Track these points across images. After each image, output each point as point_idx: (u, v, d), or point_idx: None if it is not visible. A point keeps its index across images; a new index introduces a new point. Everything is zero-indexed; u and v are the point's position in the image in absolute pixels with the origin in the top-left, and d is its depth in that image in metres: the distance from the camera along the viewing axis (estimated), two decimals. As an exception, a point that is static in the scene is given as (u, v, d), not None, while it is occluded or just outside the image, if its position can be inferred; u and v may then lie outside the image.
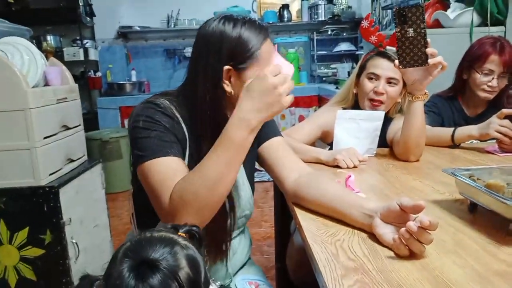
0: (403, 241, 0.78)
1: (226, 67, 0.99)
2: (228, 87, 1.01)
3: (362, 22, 1.73)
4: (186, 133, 1.02)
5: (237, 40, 0.99)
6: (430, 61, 1.26)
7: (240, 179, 1.12)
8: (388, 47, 1.65)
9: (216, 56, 0.99)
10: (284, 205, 1.43)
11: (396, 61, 1.29)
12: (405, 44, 1.26)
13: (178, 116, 1.02)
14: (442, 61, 1.27)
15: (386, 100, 1.59)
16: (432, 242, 0.79)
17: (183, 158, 1.00)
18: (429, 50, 1.25)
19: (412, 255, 0.78)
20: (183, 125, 1.02)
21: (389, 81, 1.59)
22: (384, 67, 1.59)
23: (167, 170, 0.94)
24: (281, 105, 0.89)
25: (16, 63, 1.83)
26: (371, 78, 1.61)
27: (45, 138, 1.80)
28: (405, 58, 1.26)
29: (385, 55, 1.61)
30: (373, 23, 1.75)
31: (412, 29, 1.24)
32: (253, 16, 4.52)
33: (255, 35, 1.00)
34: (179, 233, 0.75)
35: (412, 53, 1.26)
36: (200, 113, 1.01)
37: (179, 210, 0.88)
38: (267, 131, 1.19)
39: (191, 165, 0.98)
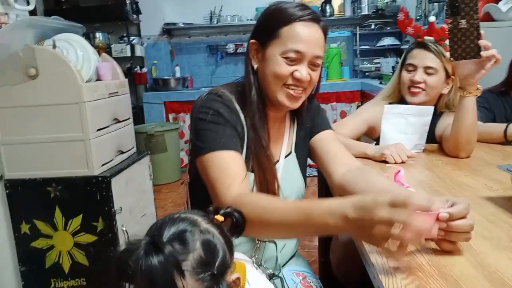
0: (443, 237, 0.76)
1: (252, 40, 1.06)
2: (254, 62, 1.06)
3: (398, 14, 1.71)
4: (244, 125, 1.05)
5: (267, 15, 1.05)
6: (483, 53, 1.22)
7: (292, 171, 1.14)
8: (426, 38, 1.62)
9: (253, 30, 1.07)
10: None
11: (448, 54, 1.26)
12: (457, 35, 1.22)
13: (238, 107, 1.05)
14: (496, 54, 1.23)
15: (427, 89, 1.56)
16: (487, 239, 0.78)
17: (241, 151, 1.02)
18: (482, 42, 1.21)
19: (464, 250, 0.77)
20: (241, 116, 1.05)
21: (427, 70, 1.55)
22: (420, 57, 1.56)
23: (226, 165, 0.95)
24: (374, 242, 0.72)
25: (71, 58, 1.93)
26: (409, 70, 1.59)
27: (98, 130, 1.89)
28: (457, 50, 1.23)
29: (422, 45, 1.58)
30: (408, 15, 1.73)
31: (464, 20, 1.21)
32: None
33: (288, 14, 1.01)
34: (216, 216, 0.77)
35: (464, 45, 1.22)
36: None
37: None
38: (319, 123, 1.20)
39: (248, 156, 1.01)
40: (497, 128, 1.58)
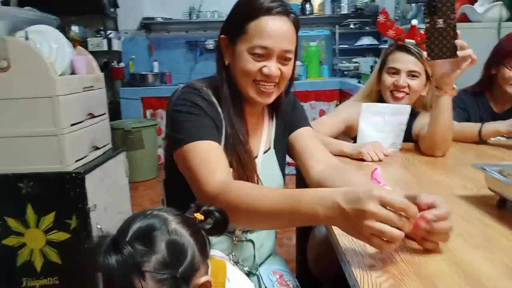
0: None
1: (222, 36, 1.05)
2: (226, 58, 1.05)
3: (378, 16, 1.72)
4: (222, 118, 1.04)
5: (235, 9, 1.04)
6: (459, 53, 1.23)
7: (271, 167, 1.13)
8: (407, 40, 1.63)
9: (222, 25, 1.06)
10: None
11: (425, 53, 1.27)
12: (435, 35, 1.24)
13: (215, 100, 1.04)
14: (472, 54, 1.24)
15: (410, 92, 1.57)
16: (461, 236, 0.79)
17: (220, 143, 1.01)
18: (458, 42, 1.23)
19: (439, 248, 0.78)
20: (219, 109, 1.04)
21: (410, 74, 1.57)
22: (403, 61, 1.57)
23: (207, 154, 0.94)
24: (361, 236, 0.71)
25: (44, 51, 1.87)
26: (392, 73, 1.59)
27: (71, 125, 1.84)
28: (434, 50, 1.25)
29: (404, 48, 1.59)
30: (389, 17, 1.74)
31: (442, 20, 1.22)
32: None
33: (254, 8, 0.98)
34: (196, 214, 0.75)
35: (441, 45, 1.24)
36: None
37: (219, 203, 0.86)
38: (298, 120, 1.20)
39: (226, 151, 1.00)
40: (471, 128, 1.61)
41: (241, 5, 1.03)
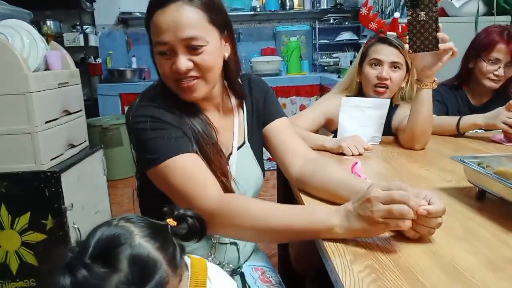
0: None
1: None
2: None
3: (361, 9, 1.71)
4: (185, 123, 0.98)
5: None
6: (441, 46, 1.24)
7: (248, 162, 1.11)
8: (388, 33, 1.63)
9: None
10: (287, 193, 1.42)
11: (407, 46, 1.27)
12: (416, 28, 1.24)
13: (173, 107, 0.98)
14: (453, 46, 1.25)
15: (391, 85, 1.57)
16: (442, 229, 0.79)
17: (195, 149, 0.95)
18: (440, 35, 1.24)
19: (421, 240, 0.78)
20: (178, 114, 0.98)
21: (392, 66, 1.57)
22: (386, 53, 1.57)
23: (189, 169, 0.89)
24: (375, 230, 0.76)
25: (16, 46, 1.81)
26: (374, 65, 1.59)
27: (46, 122, 1.79)
28: (416, 42, 1.25)
29: (386, 40, 1.59)
30: (372, 10, 1.74)
31: (424, 12, 1.22)
32: (254, 4, 4.50)
33: (149, 4, 0.92)
34: (168, 220, 0.73)
35: (423, 37, 1.24)
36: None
37: (216, 221, 0.84)
38: (271, 111, 1.15)
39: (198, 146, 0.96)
40: (450, 121, 1.62)
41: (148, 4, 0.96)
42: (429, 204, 0.76)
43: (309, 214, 0.81)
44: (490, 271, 0.68)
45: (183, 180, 0.88)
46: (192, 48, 0.92)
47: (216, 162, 0.98)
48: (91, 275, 0.60)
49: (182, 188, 0.88)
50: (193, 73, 0.93)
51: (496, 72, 1.71)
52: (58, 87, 1.92)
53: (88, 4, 4.28)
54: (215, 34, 0.95)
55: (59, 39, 3.95)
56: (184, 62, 0.91)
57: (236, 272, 1.14)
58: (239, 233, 0.87)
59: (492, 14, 2.41)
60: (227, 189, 0.97)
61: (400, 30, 1.62)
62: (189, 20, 0.90)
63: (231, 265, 1.11)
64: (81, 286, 0.59)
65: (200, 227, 0.75)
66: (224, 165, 1.00)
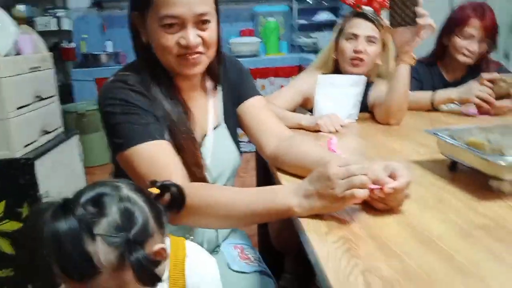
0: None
1: (133, 12, 0.97)
2: (143, 36, 0.97)
3: None
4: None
5: None
6: (419, 20, 1.25)
7: (224, 142, 1.10)
8: (365, 8, 1.63)
9: (129, 1, 0.98)
10: (266, 173, 1.42)
11: (386, 21, 1.28)
12: (396, 2, 1.25)
13: (146, 89, 0.96)
14: (432, 22, 1.27)
15: (367, 59, 1.57)
16: (415, 200, 0.80)
17: (165, 136, 0.94)
18: (419, 10, 1.25)
19: (394, 211, 0.79)
20: (152, 97, 0.96)
21: (368, 39, 1.57)
22: (362, 27, 1.57)
23: (155, 158, 0.88)
24: (336, 207, 0.77)
25: (-17, 30, 1.75)
26: (350, 39, 1.58)
27: (18, 108, 1.74)
28: (395, 18, 1.27)
29: (362, 15, 1.59)
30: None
31: None
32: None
33: None
34: (150, 189, 0.74)
35: (403, 13, 1.26)
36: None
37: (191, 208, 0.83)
38: (245, 89, 1.14)
39: (171, 133, 0.95)
40: (424, 96, 1.64)
41: None
42: (395, 177, 0.77)
43: (269, 198, 0.81)
44: (460, 237, 0.70)
45: (148, 168, 0.87)
46: (201, 23, 0.92)
47: (189, 151, 0.97)
48: (86, 214, 0.62)
49: (146, 176, 0.85)
50: (199, 49, 0.93)
51: (469, 48, 1.72)
52: (30, 72, 1.86)
53: (60, -14, 4.15)
54: (215, 12, 0.96)
55: (31, 23, 3.83)
56: (194, 36, 0.91)
57: (215, 251, 1.14)
58: (203, 222, 0.88)
59: (467, -9, 2.42)
60: (199, 178, 0.97)
61: (377, 5, 1.62)
62: None
63: (209, 245, 1.11)
64: (76, 225, 0.61)
65: (181, 196, 0.77)
66: (198, 154, 0.99)
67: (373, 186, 0.77)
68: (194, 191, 0.83)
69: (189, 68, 0.96)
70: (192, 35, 0.91)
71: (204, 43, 0.94)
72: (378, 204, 0.79)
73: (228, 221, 0.86)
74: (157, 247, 0.68)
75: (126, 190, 0.68)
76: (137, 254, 0.62)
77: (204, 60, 0.97)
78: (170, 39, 0.91)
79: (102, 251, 0.61)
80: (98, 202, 0.64)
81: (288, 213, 0.79)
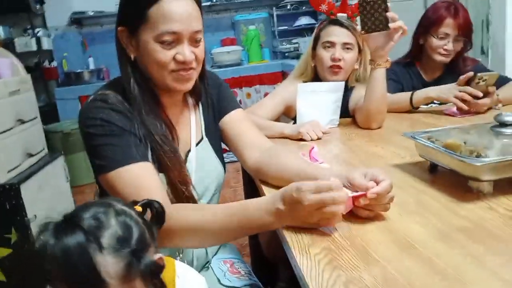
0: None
1: (120, 28, 0.97)
2: (130, 52, 0.97)
3: None
4: (141, 124, 0.97)
5: None
6: (391, 25, 1.27)
7: (208, 157, 1.10)
8: (339, 15, 1.65)
9: (117, 15, 0.99)
10: (253, 184, 1.43)
11: (358, 27, 1.30)
12: (367, 9, 1.27)
13: (128, 107, 0.96)
14: (403, 25, 1.29)
15: (345, 66, 1.59)
16: (395, 205, 0.81)
17: (148, 157, 0.94)
18: (390, 15, 1.27)
19: (375, 218, 0.80)
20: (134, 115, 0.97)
21: (345, 46, 1.58)
22: (337, 34, 1.59)
23: (136, 179, 0.88)
24: (313, 224, 0.78)
25: (-40, 56, 1.74)
26: (327, 47, 1.60)
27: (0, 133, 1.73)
28: (367, 23, 1.28)
29: (337, 22, 1.61)
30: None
31: None
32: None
33: None
34: (135, 206, 0.74)
35: (374, 18, 1.27)
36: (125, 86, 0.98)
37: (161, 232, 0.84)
38: (225, 104, 1.15)
39: (155, 152, 0.95)
40: (403, 97, 1.66)
41: None
42: (376, 182, 0.78)
43: (244, 216, 0.82)
44: (440, 241, 0.71)
45: (130, 191, 0.87)
46: (195, 41, 0.96)
47: (175, 169, 0.98)
48: (90, 227, 0.62)
49: (128, 198, 0.85)
50: (193, 64, 0.96)
51: (445, 47, 1.75)
52: (9, 96, 1.85)
53: (38, 6, 4.12)
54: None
55: (10, 44, 3.80)
56: (190, 52, 0.94)
57: (205, 267, 1.14)
58: (185, 243, 0.91)
59: (440, -10, 2.46)
60: (186, 196, 0.98)
61: (350, 12, 1.64)
62: (196, 13, 0.95)
63: (199, 261, 1.11)
64: (82, 239, 0.61)
65: (162, 211, 0.78)
66: (184, 172, 1.00)
67: (355, 194, 0.78)
68: (174, 214, 0.84)
69: (183, 84, 0.98)
70: (188, 51, 0.94)
71: (196, 59, 0.97)
72: (363, 213, 0.80)
73: (205, 240, 0.89)
74: (156, 256, 0.69)
75: (119, 206, 0.69)
76: (144, 261, 0.64)
77: (194, 76, 1.00)
78: (167, 55, 0.93)
79: (109, 263, 0.62)
80: (96, 217, 0.64)
81: (263, 228, 0.82)
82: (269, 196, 0.81)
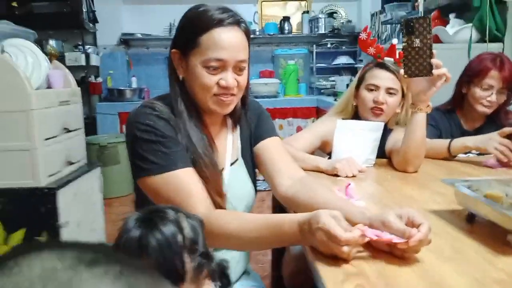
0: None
1: (174, 50, 1.04)
2: (179, 72, 1.04)
3: (360, 34, 1.76)
4: (184, 135, 1.02)
5: (185, 22, 1.03)
6: (435, 71, 1.28)
7: (241, 178, 1.14)
8: (386, 58, 1.67)
9: (173, 39, 1.05)
10: (283, 211, 1.44)
11: (402, 71, 1.31)
12: (411, 54, 1.28)
13: (173, 118, 1.02)
14: (447, 72, 1.29)
15: (387, 109, 1.60)
16: (431, 250, 0.80)
17: (190, 163, 0.99)
18: (434, 61, 1.28)
19: (410, 260, 0.79)
20: (179, 127, 1.03)
21: (389, 91, 1.60)
22: (383, 78, 1.60)
23: (182, 186, 0.94)
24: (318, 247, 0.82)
25: (20, 64, 1.85)
26: (371, 89, 1.62)
27: (46, 139, 1.81)
28: (411, 68, 1.29)
29: (383, 66, 1.63)
30: (371, 35, 1.78)
31: (418, 39, 1.27)
32: (254, 28, 4.58)
33: (205, 20, 0.97)
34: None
35: (418, 63, 1.28)
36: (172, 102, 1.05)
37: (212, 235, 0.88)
38: (262, 130, 1.18)
39: (195, 164, 1.00)
40: (441, 144, 1.64)
41: (190, 18, 1.01)
42: (414, 224, 0.79)
43: (278, 231, 0.86)
44: (477, 291, 0.70)
45: (174, 195, 0.93)
46: (239, 69, 1.01)
47: (212, 181, 1.02)
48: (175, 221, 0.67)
49: (171, 203, 0.91)
50: (233, 91, 1.01)
51: (489, 98, 1.74)
52: (59, 105, 1.95)
53: (91, 25, 4.35)
54: (248, 59, 1.05)
55: (61, 58, 4.01)
56: (232, 79, 1.00)
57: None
58: (221, 246, 1.00)
59: (485, 41, 2.46)
60: (219, 208, 1.01)
61: (397, 56, 1.66)
62: (243, 44, 1.01)
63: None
64: (170, 240, 0.65)
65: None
66: (220, 186, 1.04)
67: (397, 240, 0.77)
68: (214, 218, 0.90)
69: (222, 108, 1.04)
70: (231, 78, 0.99)
71: (238, 86, 1.02)
72: (397, 251, 0.80)
73: (241, 246, 0.99)
74: None
75: (183, 211, 0.72)
76: (213, 262, 0.68)
77: (235, 102, 1.06)
78: (211, 79, 0.99)
79: (187, 259, 0.65)
80: (176, 215, 0.68)
81: (297, 241, 0.86)
82: (306, 214, 0.83)
